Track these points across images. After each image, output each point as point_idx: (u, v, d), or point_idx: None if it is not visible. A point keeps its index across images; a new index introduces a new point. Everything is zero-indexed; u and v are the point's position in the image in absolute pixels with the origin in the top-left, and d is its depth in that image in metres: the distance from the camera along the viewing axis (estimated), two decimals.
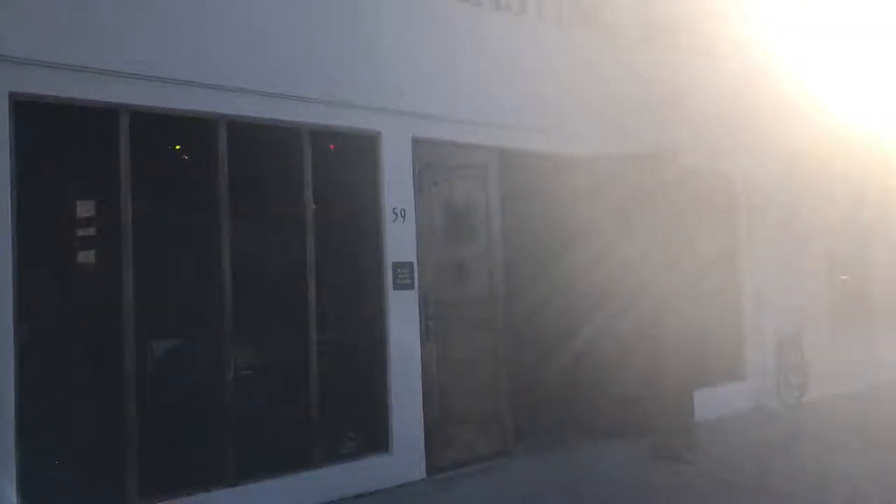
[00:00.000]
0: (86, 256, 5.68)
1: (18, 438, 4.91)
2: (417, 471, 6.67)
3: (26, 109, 5.03)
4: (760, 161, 9.71)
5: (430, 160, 6.94)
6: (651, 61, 8.49)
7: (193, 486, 5.63)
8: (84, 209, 5.61)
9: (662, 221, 7.82)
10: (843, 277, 11.16)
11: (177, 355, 6.19)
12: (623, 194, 7.84)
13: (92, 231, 5.71)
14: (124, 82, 5.35)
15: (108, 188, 5.41)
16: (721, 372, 9.33)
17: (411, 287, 6.73)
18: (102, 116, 5.34)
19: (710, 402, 8.53)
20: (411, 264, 6.74)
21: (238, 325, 5.98)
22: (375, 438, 6.62)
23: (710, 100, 8.86)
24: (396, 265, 6.65)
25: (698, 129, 8.69)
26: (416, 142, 6.84)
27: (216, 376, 5.86)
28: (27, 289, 5.03)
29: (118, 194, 5.40)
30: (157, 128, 5.60)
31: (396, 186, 6.70)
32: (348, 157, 6.62)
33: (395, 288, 6.63)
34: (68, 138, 5.39)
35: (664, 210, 7.82)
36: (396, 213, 6.67)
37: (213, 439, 5.81)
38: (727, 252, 9.60)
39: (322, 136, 6.38)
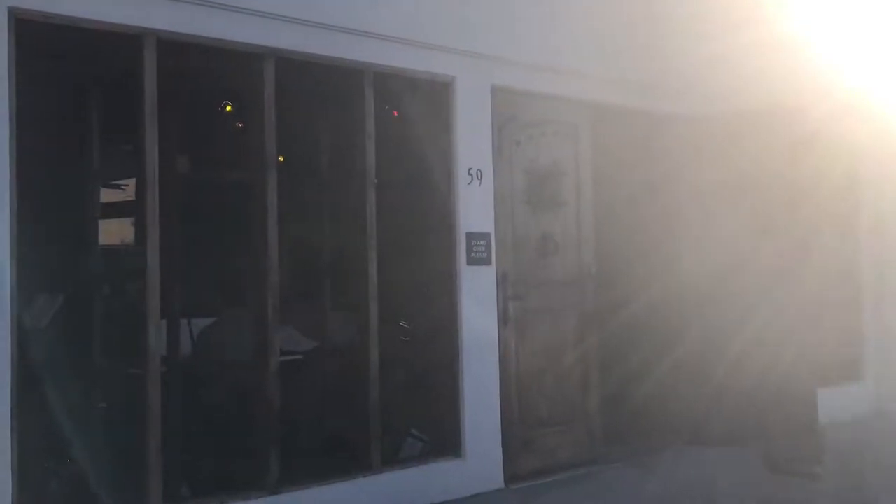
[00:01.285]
0: (100, 215, 4.77)
1: (16, 434, 4.02)
2: (493, 479, 5.64)
3: (30, 30, 4.10)
4: (886, 129, 8.38)
5: (512, 113, 5.89)
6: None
7: (227, 492, 4.68)
8: (100, 157, 4.68)
9: (780, 193, 6.66)
10: None
11: (210, 337, 5.29)
12: (735, 160, 6.70)
13: (109, 184, 4.79)
14: (152, 2, 4.38)
15: (129, 132, 4.48)
16: (837, 371, 8.06)
17: (488, 262, 5.69)
18: (124, 43, 4.38)
19: (826, 406, 7.30)
20: (488, 235, 5.70)
21: (285, 303, 5.01)
22: (444, 440, 5.62)
23: (831, 51, 7.59)
24: (471, 236, 5.61)
25: (818, 86, 7.42)
26: (497, 91, 5.79)
27: (257, 363, 4.88)
28: (29, 255, 4.13)
29: (143, 141, 4.45)
30: (191, 60, 4.66)
31: (472, 143, 5.67)
32: (417, 106, 5.61)
33: (469, 263, 5.60)
34: (83, 68, 4.45)
35: (782, 179, 6.66)
36: (472, 175, 5.64)
37: (253, 437, 4.85)
38: (847, 234, 8.31)
39: (387, 81, 5.36)
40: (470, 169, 5.62)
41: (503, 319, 5.78)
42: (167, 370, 5.13)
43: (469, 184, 5.62)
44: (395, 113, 6.63)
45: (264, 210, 4.82)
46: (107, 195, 5.03)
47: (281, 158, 4.89)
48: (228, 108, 6.54)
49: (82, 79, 4.48)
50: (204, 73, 4.86)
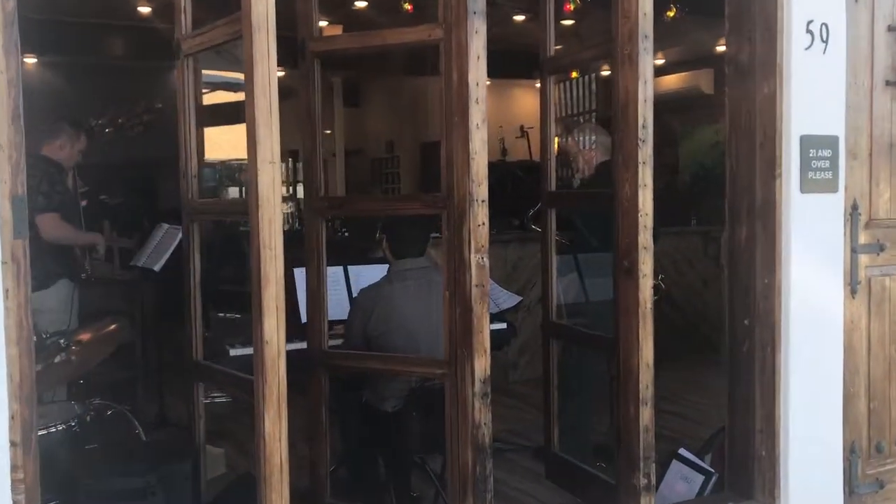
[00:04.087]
0: None
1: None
2: None
3: None
4: None
5: None
6: None
7: None
8: None
9: None
10: None
11: (369, 308, 3.31)
12: None
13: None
14: None
15: None
16: None
17: (832, 187, 3.34)
18: None
19: None
20: (835, 141, 3.33)
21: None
22: (746, 474, 3.45)
23: None
24: (808, 141, 3.27)
25: None
26: None
27: (451, 362, 2.88)
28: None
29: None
30: None
31: None
32: None
33: (802, 190, 3.27)
34: None
35: None
36: (813, 34, 3.26)
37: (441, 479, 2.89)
38: None
39: None
40: (810, 22, 3.24)
41: (850, 283, 3.45)
42: (310, 349, 3.28)
43: (808, 48, 3.25)
44: None
45: (464, 94, 2.75)
46: None
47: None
48: None
49: None
50: None
